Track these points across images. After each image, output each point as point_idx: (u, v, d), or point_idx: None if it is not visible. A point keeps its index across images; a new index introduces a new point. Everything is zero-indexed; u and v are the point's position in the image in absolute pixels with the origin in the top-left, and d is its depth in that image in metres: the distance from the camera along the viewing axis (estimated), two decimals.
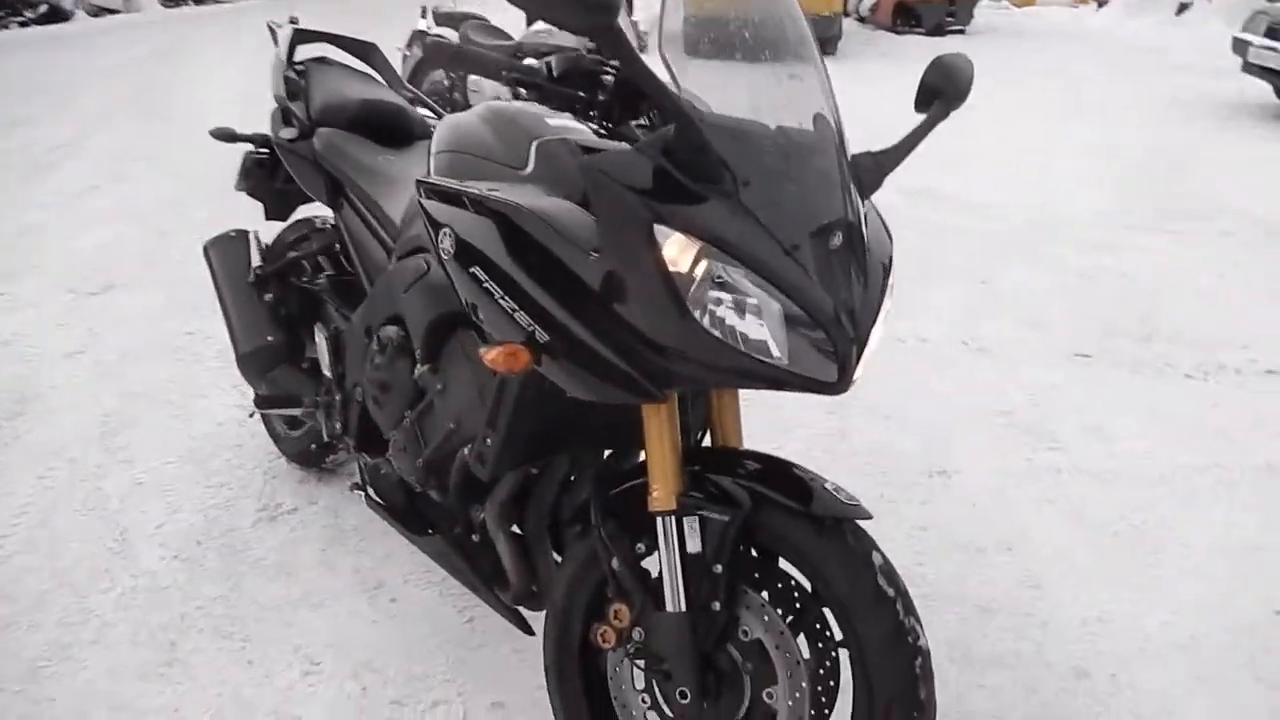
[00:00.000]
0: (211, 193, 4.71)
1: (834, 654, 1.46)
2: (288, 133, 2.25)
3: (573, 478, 1.74)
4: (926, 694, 1.35)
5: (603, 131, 1.60)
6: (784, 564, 1.46)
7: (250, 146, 2.53)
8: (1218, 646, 2.03)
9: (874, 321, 1.32)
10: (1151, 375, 3.32)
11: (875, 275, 1.35)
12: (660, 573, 1.43)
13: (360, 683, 1.93)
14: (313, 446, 2.52)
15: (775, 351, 1.23)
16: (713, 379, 1.31)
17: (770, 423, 2.74)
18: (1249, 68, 7.53)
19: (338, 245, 2.28)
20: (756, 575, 1.46)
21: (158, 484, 2.63)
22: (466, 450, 1.63)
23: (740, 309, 1.23)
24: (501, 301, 1.39)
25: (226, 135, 2.47)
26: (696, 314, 1.22)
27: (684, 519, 1.41)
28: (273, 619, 2.10)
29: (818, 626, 1.46)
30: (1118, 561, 2.31)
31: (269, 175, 2.52)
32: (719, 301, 1.23)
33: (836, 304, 1.25)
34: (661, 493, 1.42)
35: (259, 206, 2.60)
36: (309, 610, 2.13)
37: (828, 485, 1.42)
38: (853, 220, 1.32)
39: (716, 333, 1.22)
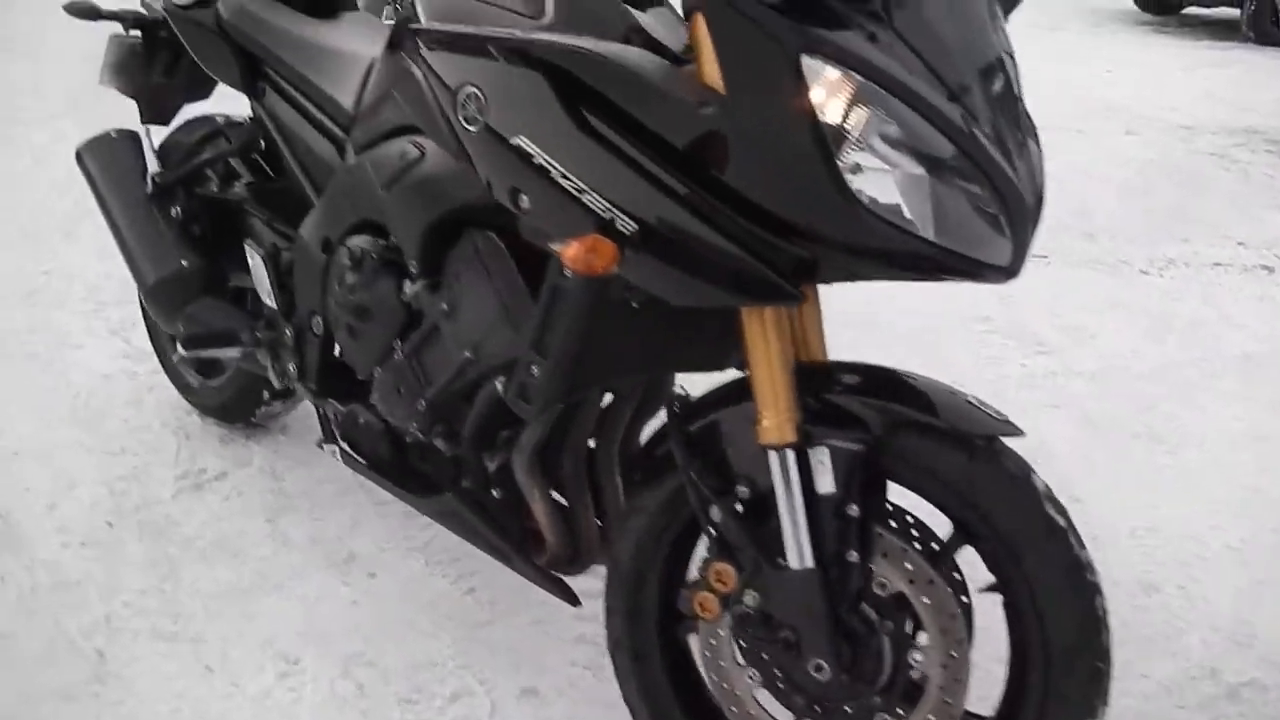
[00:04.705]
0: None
1: (968, 602, 1.24)
2: None
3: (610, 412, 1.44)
4: (1108, 640, 1.14)
5: None
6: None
7: (118, 27, 2.03)
8: (1269, 547, 1.94)
9: (1044, 188, 1.07)
10: (1108, 272, 3.26)
11: (1030, 128, 1.09)
12: (776, 521, 1.16)
13: (354, 680, 1.58)
14: (238, 397, 2.10)
15: (947, 229, 0.97)
16: (860, 268, 1.04)
17: None
18: None
19: (261, 143, 1.83)
20: (893, 518, 1.21)
21: (39, 454, 2.14)
22: (499, 384, 1.29)
23: (903, 172, 0.96)
24: (563, 182, 1.07)
25: (85, 10, 1.95)
26: (851, 181, 0.94)
27: (809, 452, 1.14)
28: (227, 611, 1.72)
29: (954, 572, 1.24)
30: (1143, 464, 2.20)
31: (144, 65, 2.01)
32: (878, 163, 0.95)
33: (1014, 167, 1.00)
34: (774, 421, 1.14)
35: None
36: (270, 596, 1.76)
37: (970, 399, 1.17)
38: (1009, 57, 1.06)
39: (876, 205, 0.95)
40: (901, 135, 0.95)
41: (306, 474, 2.09)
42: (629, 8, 1.21)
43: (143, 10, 2.02)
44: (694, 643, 1.33)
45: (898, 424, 1.13)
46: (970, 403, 1.16)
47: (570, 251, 1.04)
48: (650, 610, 1.32)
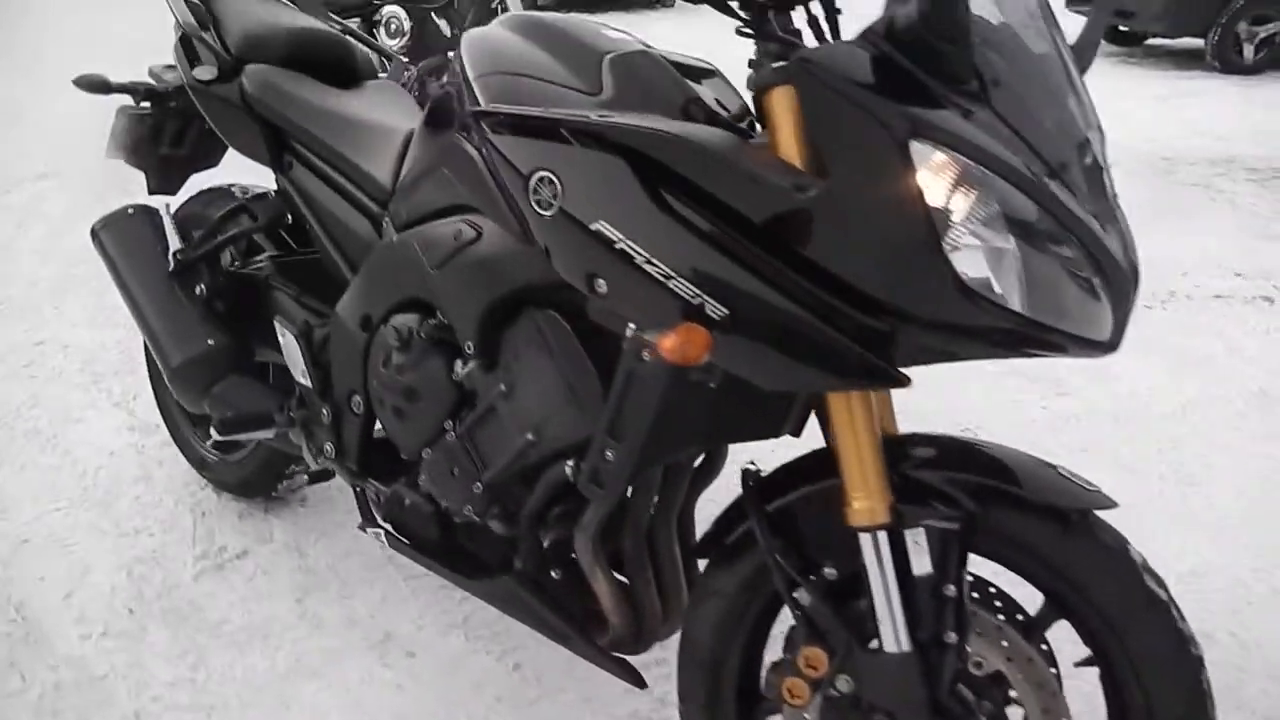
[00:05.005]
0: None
1: (1057, 673, 1.21)
2: (204, 72, 1.73)
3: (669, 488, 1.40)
4: (1214, 713, 1.11)
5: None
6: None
7: (128, 100, 1.99)
8: None
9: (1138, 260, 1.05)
10: None
11: (1115, 198, 1.08)
12: (867, 602, 1.12)
13: None
14: (260, 472, 2.04)
15: (1049, 307, 0.95)
16: (961, 349, 1.01)
17: None
18: (1072, 3, 7.75)
19: (289, 217, 1.79)
20: (976, 591, 1.18)
21: (50, 538, 2.06)
22: (568, 468, 1.25)
23: (1008, 252, 0.94)
24: (648, 267, 1.04)
25: (97, 84, 1.92)
26: (956, 262, 0.92)
27: (903, 532, 1.10)
28: (263, 701, 1.64)
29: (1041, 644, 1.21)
30: (1179, 507, 2.18)
31: (152, 136, 1.99)
32: (982, 244, 0.93)
33: (1112, 242, 0.98)
34: (866, 503, 1.10)
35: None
36: (308, 682, 1.68)
37: (1061, 470, 1.15)
38: (1097, 129, 1.05)
39: (981, 286, 0.93)
40: (1006, 215, 0.93)
41: (331, 548, 2.02)
42: (685, 80, 1.20)
43: (152, 82, 1.99)
44: None
45: (990, 499, 1.11)
46: (1061, 474, 1.14)
47: (668, 343, 1.00)
48: (729, 695, 1.27)
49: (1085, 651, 1.14)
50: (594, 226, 1.07)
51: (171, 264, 1.81)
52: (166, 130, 2.00)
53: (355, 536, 2.05)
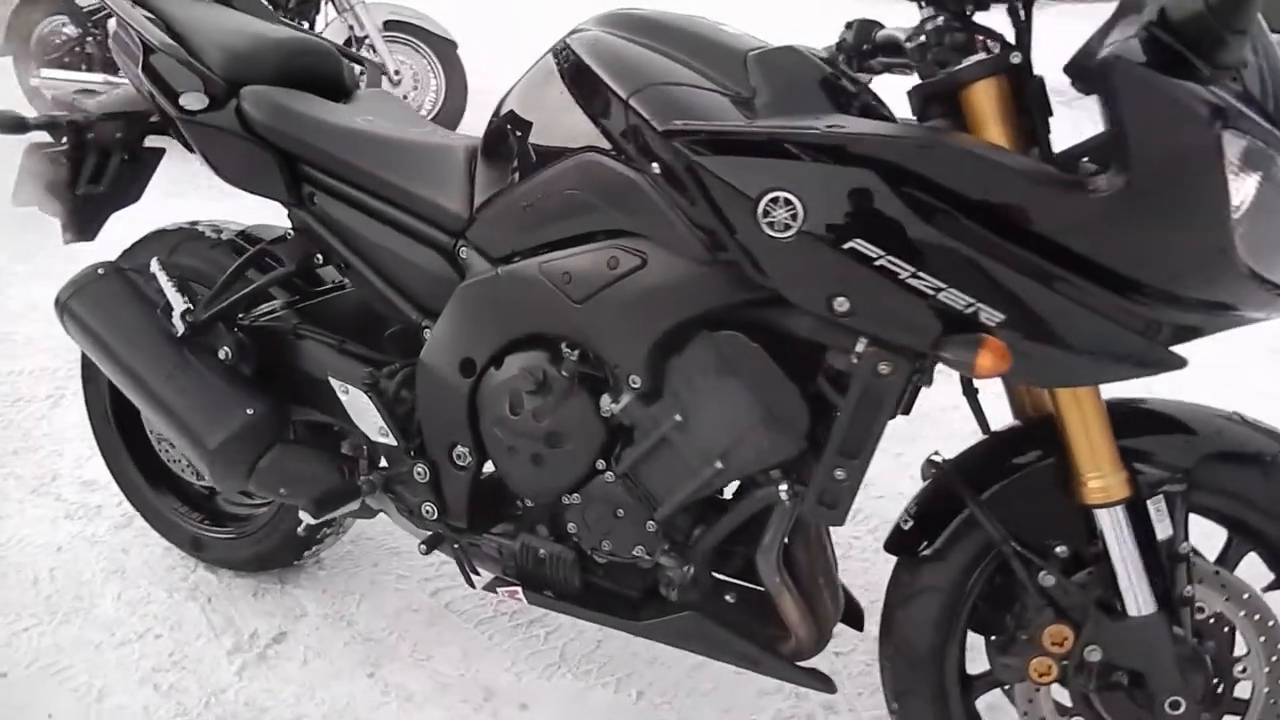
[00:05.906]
0: None
1: None
2: (193, 100, 1.48)
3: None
4: None
5: None
6: None
7: (44, 137, 1.69)
8: None
9: None
10: None
11: None
12: (1103, 573, 1.16)
13: None
14: (286, 540, 1.81)
15: None
16: (1212, 325, 1.04)
17: None
18: None
19: (319, 256, 1.57)
20: None
21: (34, 667, 1.74)
22: (784, 493, 1.20)
23: (1269, 230, 0.98)
24: (914, 281, 1.01)
25: (10, 124, 1.61)
26: (1240, 244, 0.95)
27: (1144, 503, 1.14)
28: None
29: None
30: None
31: (70, 175, 1.70)
32: (1262, 224, 0.97)
33: None
34: (1101, 481, 1.14)
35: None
36: None
37: (1247, 416, 1.23)
38: None
39: (1259, 266, 0.97)
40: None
41: (378, 609, 1.84)
42: (832, 71, 1.16)
43: (66, 113, 1.69)
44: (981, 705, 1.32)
45: (1202, 456, 1.17)
46: (1246, 421, 1.21)
47: (984, 360, 0.98)
48: (953, 684, 1.28)
49: None
50: (848, 245, 1.02)
51: (180, 327, 1.54)
52: (85, 167, 1.71)
53: (398, 590, 1.89)
